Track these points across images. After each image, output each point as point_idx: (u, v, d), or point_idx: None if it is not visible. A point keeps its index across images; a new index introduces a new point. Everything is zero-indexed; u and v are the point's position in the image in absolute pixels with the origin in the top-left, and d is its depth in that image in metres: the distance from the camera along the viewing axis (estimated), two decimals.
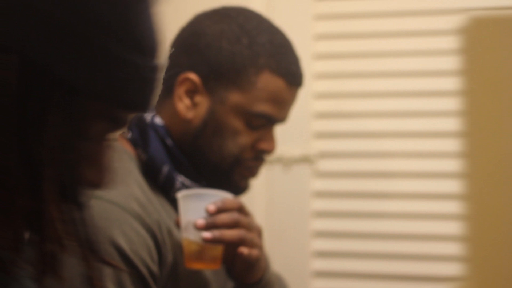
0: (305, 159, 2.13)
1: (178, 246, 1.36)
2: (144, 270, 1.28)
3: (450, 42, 2.07)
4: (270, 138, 1.48)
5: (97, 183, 0.85)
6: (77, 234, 0.84)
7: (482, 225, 0.74)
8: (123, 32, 0.80)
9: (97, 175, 0.84)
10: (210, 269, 1.36)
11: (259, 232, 1.38)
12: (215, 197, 1.33)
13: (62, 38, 0.76)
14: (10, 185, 0.76)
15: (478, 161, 0.76)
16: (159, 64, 0.85)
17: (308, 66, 2.00)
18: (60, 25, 0.76)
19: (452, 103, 2.06)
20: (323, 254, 2.13)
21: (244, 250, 1.32)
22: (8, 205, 0.77)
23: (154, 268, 1.31)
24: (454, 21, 2.13)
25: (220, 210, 1.32)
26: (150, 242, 1.31)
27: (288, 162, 2.14)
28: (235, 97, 1.42)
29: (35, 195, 0.77)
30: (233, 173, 1.46)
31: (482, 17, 0.75)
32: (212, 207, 1.31)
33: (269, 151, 1.49)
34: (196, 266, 1.31)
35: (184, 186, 1.40)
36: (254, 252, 1.34)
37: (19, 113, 0.76)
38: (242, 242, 1.33)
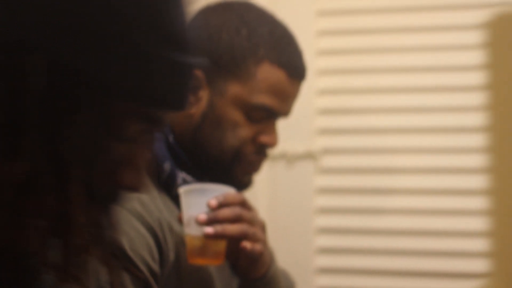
0: (309, 156, 2.12)
1: (180, 244, 1.35)
2: (144, 270, 1.27)
3: (454, 38, 2.06)
4: (271, 132, 1.45)
5: (133, 186, 0.82)
6: (102, 239, 0.81)
7: (507, 221, 0.74)
8: (153, 27, 0.77)
9: (133, 177, 0.81)
10: (213, 264, 1.35)
11: (262, 227, 1.37)
12: (217, 191, 1.32)
13: (90, 36, 0.74)
14: (38, 187, 0.74)
15: (502, 155, 0.75)
16: (192, 60, 0.82)
17: (311, 62, 1.99)
18: (87, 23, 0.74)
19: (457, 99, 2.05)
20: (327, 251, 2.12)
21: (247, 244, 1.31)
22: (35, 207, 0.75)
23: (155, 267, 1.30)
24: (457, 17, 2.12)
25: (222, 205, 1.30)
26: (151, 241, 1.30)
27: (291, 159, 2.13)
28: (234, 89, 1.41)
29: (62, 197, 0.75)
30: (234, 168, 1.44)
31: (507, 13, 0.74)
32: (213, 202, 1.30)
33: (271, 145, 1.46)
34: (199, 261, 1.30)
35: (186, 183, 1.39)
36: (257, 246, 1.32)
37: (47, 113, 0.74)
38: (244, 236, 1.31)
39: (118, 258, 0.83)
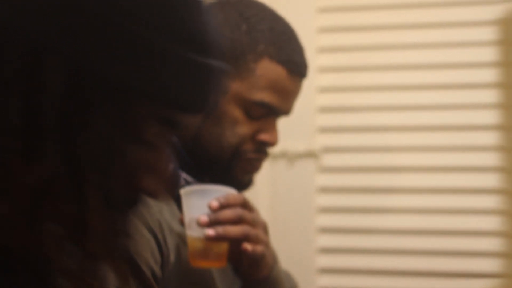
0: (310, 154, 2.11)
1: (181, 245, 1.33)
2: (147, 272, 1.26)
3: (455, 34, 2.05)
4: (271, 130, 1.43)
5: (152, 192, 0.79)
6: (117, 245, 0.79)
7: None
8: (173, 28, 0.75)
9: (151, 183, 0.78)
10: (216, 267, 1.33)
11: (264, 228, 1.35)
12: (218, 193, 1.30)
13: (108, 38, 0.73)
14: (55, 191, 0.73)
15: None
16: (217, 64, 0.79)
17: (312, 59, 1.97)
18: (105, 25, 0.73)
19: (459, 96, 2.05)
20: (328, 250, 2.11)
21: (248, 246, 1.29)
22: (52, 212, 0.73)
23: (157, 269, 1.29)
24: (458, 13, 2.11)
25: (223, 206, 1.29)
26: (153, 243, 1.29)
27: (292, 157, 2.12)
28: (234, 85, 1.39)
29: (79, 202, 0.73)
30: (233, 167, 1.42)
31: None
32: (214, 203, 1.28)
33: (270, 143, 1.43)
34: (201, 264, 1.29)
35: (187, 183, 1.37)
36: (259, 248, 1.31)
37: (64, 117, 0.72)
38: (246, 238, 1.29)
39: (129, 265, 0.81)
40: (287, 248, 2.06)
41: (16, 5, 0.72)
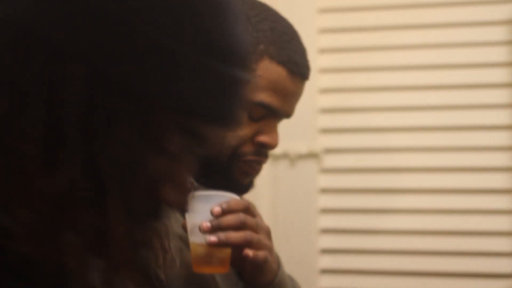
0: (311, 155, 2.11)
1: (184, 250, 1.33)
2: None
3: (457, 35, 2.05)
4: (271, 132, 1.40)
5: (173, 204, 0.78)
6: (138, 258, 0.77)
7: None
8: (199, 37, 0.73)
9: (173, 194, 0.77)
10: (219, 272, 1.33)
11: (267, 233, 1.34)
12: (221, 198, 1.29)
13: (132, 46, 0.71)
14: (76, 200, 0.72)
15: None
16: (242, 75, 0.77)
17: (314, 60, 1.96)
18: (129, 32, 0.71)
19: (460, 97, 2.04)
20: (330, 251, 2.11)
21: (249, 252, 1.28)
22: (73, 222, 0.72)
23: (161, 274, 1.28)
24: (458, 13, 2.10)
25: (226, 212, 1.28)
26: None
27: (294, 158, 2.11)
28: None
29: (100, 212, 0.72)
30: (232, 168, 1.40)
31: None
32: (217, 209, 1.27)
33: (270, 145, 1.41)
34: (205, 270, 1.28)
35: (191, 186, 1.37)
36: (261, 254, 1.30)
37: (86, 125, 0.71)
38: (248, 244, 1.29)
39: (150, 280, 0.80)
40: (289, 249, 2.06)
41: (40, 12, 0.71)
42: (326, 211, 2.11)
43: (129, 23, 0.72)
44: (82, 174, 0.71)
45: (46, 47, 0.71)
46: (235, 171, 1.40)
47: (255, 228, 1.30)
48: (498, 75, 2.02)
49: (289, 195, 2.11)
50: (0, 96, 0.72)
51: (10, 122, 0.72)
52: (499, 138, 2.01)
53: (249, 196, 1.39)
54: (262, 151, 1.42)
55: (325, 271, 2.10)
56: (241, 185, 1.42)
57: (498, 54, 2.02)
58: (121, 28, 0.71)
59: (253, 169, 1.42)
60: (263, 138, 1.40)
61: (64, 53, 0.71)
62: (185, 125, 0.75)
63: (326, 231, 2.11)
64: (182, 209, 0.79)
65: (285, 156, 2.11)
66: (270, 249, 1.33)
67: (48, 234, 0.72)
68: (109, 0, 0.71)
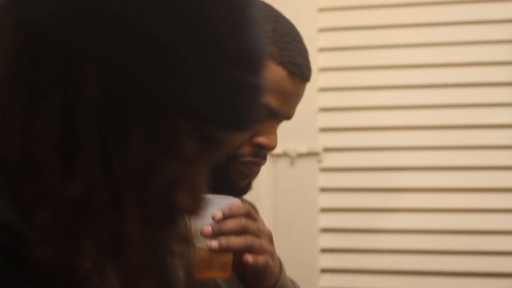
0: (311, 154, 2.10)
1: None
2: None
3: (457, 33, 2.05)
4: (270, 133, 1.39)
5: (188, 209, 0.77)
6: (156, 264, 0.77)
7: None
8: (214, 43, 0.73)
9: (188, 200, 0.76)
10: (220, 277, 1.33)
11: (269, 237, 1.33)
12: (223, 203, 1.29)
13: (149, 50, 0.71)
14: (93, 206, 0.71)
15: None
16: (258, 81, 0.77)
17: (313, 59, 1.96)
18: (146, 36, 0.71)
19: (460, 96, 2.04)
20: (330, 251, 2.11)
21: (249, 258, 1.28)
22: (90, 227, 0.72)
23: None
24: (459, 12, 2.10)
25: (227, 217, 1.28)
26: None
27: (294, 158, 2.11)
28: None
29: (117, 217, 0.72)
30: (230, 170, 1.39)
31: None
32: (218, 214, 1.27)
33: (268, 147, 1.39)
34: (206, 274, 1.28)
35: None
36: (261, 259, 1.30)
37: (102, 129, 0.71)
38: (249, 249, 1.29)
39: (163, 282, 0.79)
40: (289, 248, 2.06)
41: (54, 16, 0.71)
42: (326, 210, 2.11)
43: (144, 29, 0.71)
44: (98, 179, 0.71)
45: (61, 52, 0.71)
46: (232, 172, 1.39)
47: (257, 233, 1.30)
48: (501, 73, 2.02)
49: (289, 194, 2.11)
50: (15, 100, 0.71)
51: (27, 127, 0.71)
52: (502, 136, 2.01)
53: (249, 196, 1.39)
54: (260, 153, 1.40)
55: (325, 271, 2.10)
56: (239, 187, 1.41)
57: (501, 52, 2.02)
58: (136, 33, 0.71)
59: (251, 171, 1.41)
60: (261, 140, 1.39)
61: (79, 57, 0.71)
62: (200, 130, 0.75)
63: (326, 230, 2.11)
64: (196, 214, 0.78)
65: (285, 155, 2.11)
66: (271, 253, 1.33)
67: (65, 239, 0.72)
68: (125, 4, 0.71)
